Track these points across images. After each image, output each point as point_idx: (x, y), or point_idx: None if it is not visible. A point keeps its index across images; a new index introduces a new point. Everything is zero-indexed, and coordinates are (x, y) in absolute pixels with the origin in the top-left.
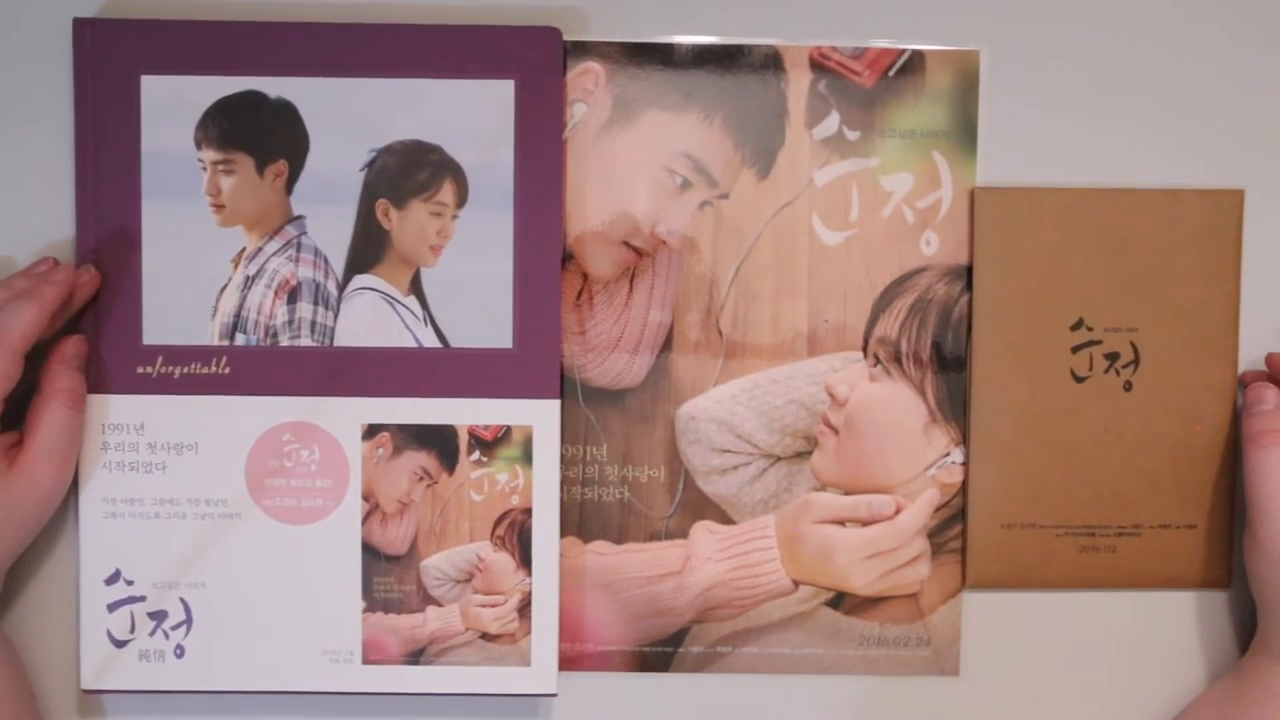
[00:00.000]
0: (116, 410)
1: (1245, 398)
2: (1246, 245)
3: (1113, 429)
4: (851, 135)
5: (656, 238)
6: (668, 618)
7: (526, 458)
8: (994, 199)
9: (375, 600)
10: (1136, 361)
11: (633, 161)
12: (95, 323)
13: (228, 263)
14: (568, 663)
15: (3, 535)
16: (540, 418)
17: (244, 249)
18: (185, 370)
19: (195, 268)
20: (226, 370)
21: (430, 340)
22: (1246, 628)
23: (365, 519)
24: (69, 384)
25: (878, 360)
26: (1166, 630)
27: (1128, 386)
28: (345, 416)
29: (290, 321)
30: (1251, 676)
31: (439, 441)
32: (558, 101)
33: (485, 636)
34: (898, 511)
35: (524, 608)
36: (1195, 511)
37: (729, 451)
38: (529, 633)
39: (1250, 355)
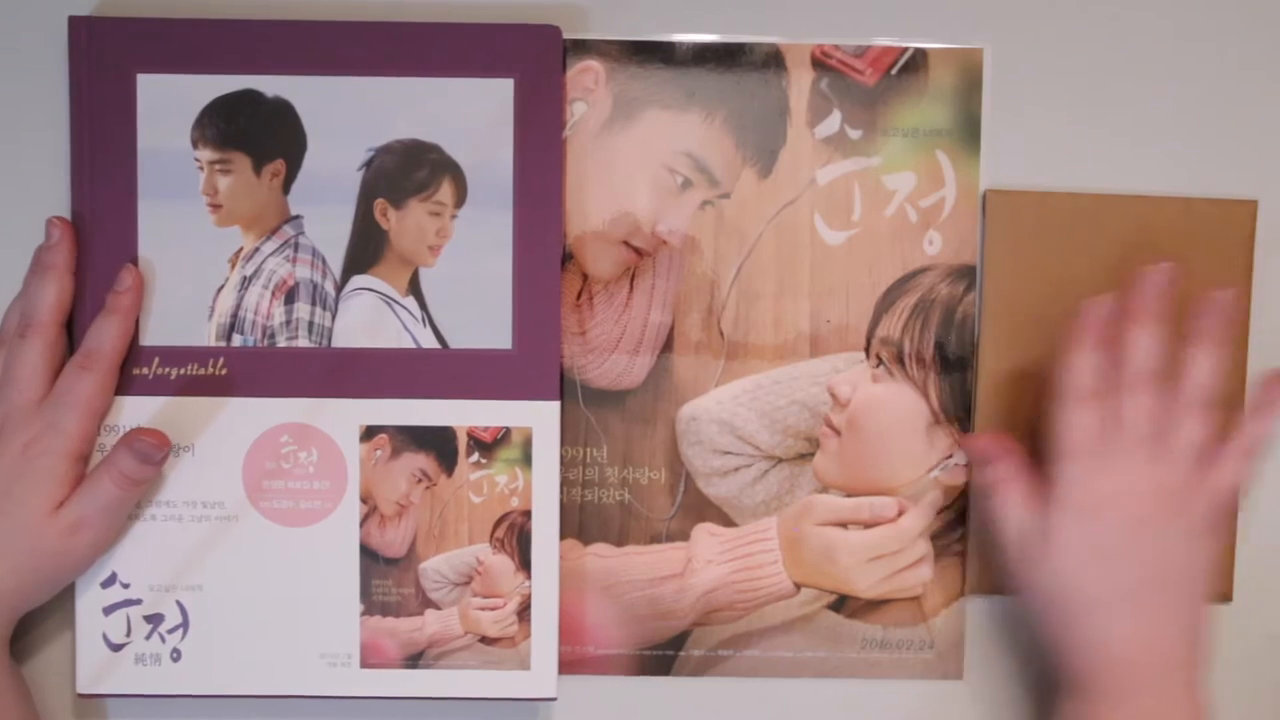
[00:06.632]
0: (113, 412)
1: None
2: (1258, 257)
3: None
4: (854, 134)
5: (657, 237)
6: (668, 621)
7: (526, 459)
8: (1005, 201)
9: (373, 603)
10: None
11: (633, 161)
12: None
13: (225, 263)
14: (567, 666)
15: (26, 581)
16: (540, 419)
17: (241, 249)
18: (182, 371)
19: (192, 268)
20: (223, 371)
21: (429, 341)
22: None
23: (363, 521)
24: (129, 470)
25: (880, 361)
26: None
27: None
28: (343, 418)
29: (288, 322)
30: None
31: (438, 443)
32: (557, 100)
33: (484, 640)
34: (900, 514)
35: (523, 611)
36: None
37: (730, 453)
38: (528, 636)
39: (1257, 368)
